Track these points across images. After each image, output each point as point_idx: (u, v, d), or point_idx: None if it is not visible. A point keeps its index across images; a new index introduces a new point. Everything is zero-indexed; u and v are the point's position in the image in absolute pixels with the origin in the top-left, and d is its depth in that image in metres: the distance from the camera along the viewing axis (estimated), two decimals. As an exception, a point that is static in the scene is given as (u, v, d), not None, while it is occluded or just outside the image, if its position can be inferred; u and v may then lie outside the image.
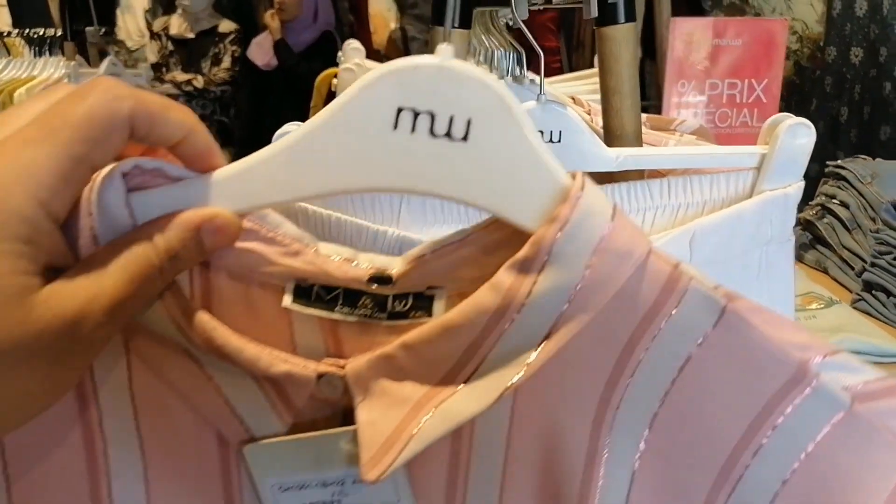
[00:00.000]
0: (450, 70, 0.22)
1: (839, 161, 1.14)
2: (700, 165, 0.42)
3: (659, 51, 1.55)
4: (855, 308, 0.94)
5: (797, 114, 0.44)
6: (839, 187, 1.11)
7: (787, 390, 0.24)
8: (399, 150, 0.23)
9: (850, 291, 0.99)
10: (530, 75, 0.78)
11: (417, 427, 0.23)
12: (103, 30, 2.54)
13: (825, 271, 1.08)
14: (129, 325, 0.24)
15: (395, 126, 0.23)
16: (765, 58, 1.17)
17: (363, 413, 0.24)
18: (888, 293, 0.93)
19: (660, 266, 0.24)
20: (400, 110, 0.23)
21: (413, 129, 0.23)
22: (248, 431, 0.25)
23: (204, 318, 0.23)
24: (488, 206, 0.24)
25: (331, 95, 1.43)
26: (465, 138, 0.23)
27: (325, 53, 2.48)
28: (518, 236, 0.24)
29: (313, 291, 0.25)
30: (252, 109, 2.73)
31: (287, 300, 0.25)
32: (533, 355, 0.23)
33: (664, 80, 1.31)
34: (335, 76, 1.25)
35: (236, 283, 0.25)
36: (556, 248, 0.23)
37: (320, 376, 0.24)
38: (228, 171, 0.24)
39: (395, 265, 0.25)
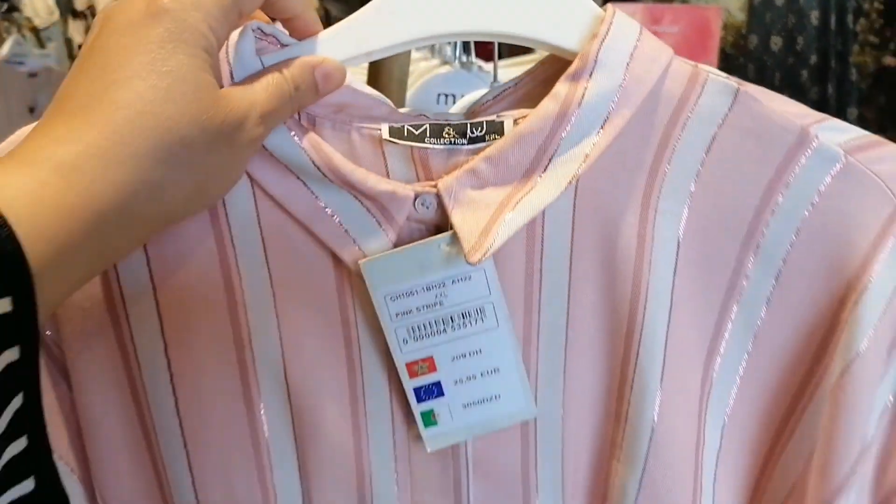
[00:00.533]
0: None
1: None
2: None
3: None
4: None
5: None
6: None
7: (794, 152, 0.29)
8: (471, 1, 0.29)
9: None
10: (478, 61, 0.76)
11: (504, 219, 0.28)
12: (6, 6, 2.36)
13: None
14: (256, 162, 0.29)
15: None
16: (700, 45, 1.19)
17: (457, 216, 0.29)
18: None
19: (683, 67, 0.30)
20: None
21: None
22: (360, 249, 0.30)
23: (323, 144, 0.29)
24: (543, 39, 0.30)
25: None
26: None
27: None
28: (567, 66, 0.29)
29: (405, 129, 0.30)
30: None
31: (385, 132, 0.30)
32: (590, 148, 0.28)
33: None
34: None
35: (338, 132, 0.30)
36: (601, 57, 0.28)
37: (417, 195, 0.29)
38: (329, 32, 0.30)
39: (460, 116, 0.31)
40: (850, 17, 2.09)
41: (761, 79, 2.15)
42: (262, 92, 0.27)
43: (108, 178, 0.22)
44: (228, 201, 0.30)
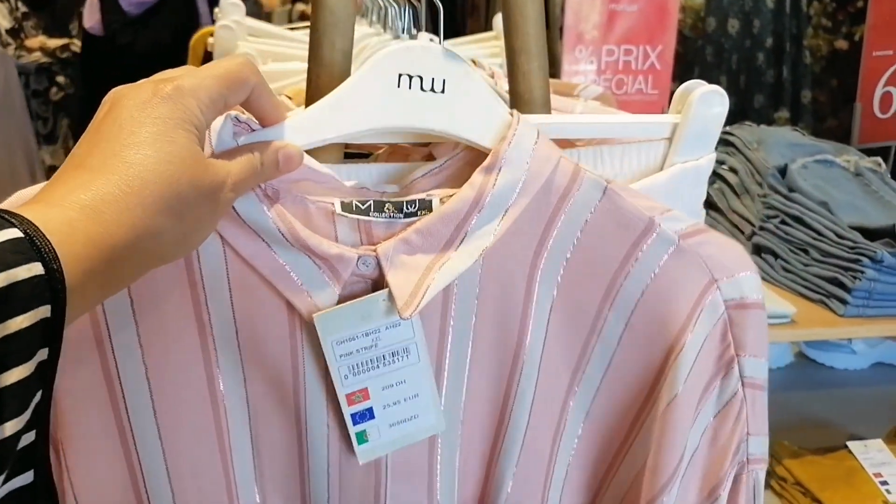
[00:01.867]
0: (429, 48, 0.37)
1: (727, 128, 1.17)
2: (612, 135, 0.42)
3: (552, 16, 1.54)
4: (746, 271, 0.98)
5: (681, 82, 0.43)
6: (727, 153, 1.14)
7: (643, 235, 0.38)
8: (403, 100, 0.36)
9: (741, 255, 1.03)
10: (428, 35, 0.73)
11: (431, 280, 0.36)
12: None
13: (716, 236, 1.11)
14: (227, 226, 0.35)
15: (398, 85, 0.36)
16: (659, 24, 1.18)
17: (392, 277, 0.36)
18: (776, 255, 0.97)
19: (567, 165, 0.38)
20: (400, 75, 0.36)
21: (410, 86, 0.36)
22: (312, 300, 0.36)
23: (286, 214, 0.35)
24: (460, 136, 0.38)
25: (207, 56, 1.29)
26: (442, 91, 0.37)
27: (170, 19, 2.06)
28: (481, 156, 0.38)
29: (353, 204, 0.37)
30: (84, 83, 2.22)
31: (337, 208, 0.36)
32: (496, 228, 0.37)
33: (560, 46, 1.30)
34: (211, 35, 1.14)
35: (297, 205, 0.36)
36: (507, 156, 0.37)
37: (359, 257, 0.36)
38: (291, 122, 0.36)
39: (396, 188, 0.39)
40: (804, 1, 2.11)
41: (719, 61, 2.16)
42: (235, 165, 0.33)
43: (122, 221, 0.28)
44: (202, 254, 0.36)
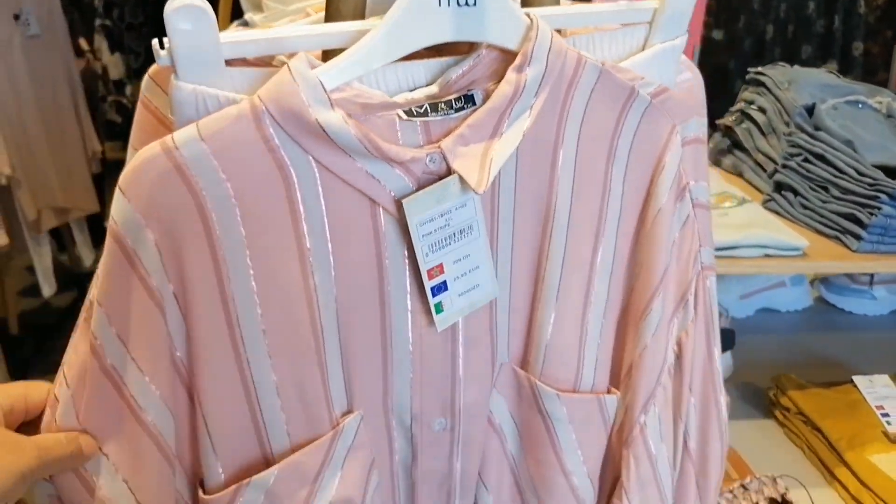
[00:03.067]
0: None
1: (759, 68, 1.16)
2: (601, 23, 0.47)
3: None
4: (765, 207, 0.99)
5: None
6: (758, 93, 1.14)
7: (628, 100, 0.47)
8: (446, 17, 0.41)
9: (762, 193, 1.04)
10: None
11: (490, 160, 0.42)
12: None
13: (740, 175, 1.12)
14: (316, 146, 0.40)
15: (439, 4, 0.41)
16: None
17: (458, 165, 0.42)
18: (796, 193, 0.98)
19: (572, 53, 0.45)
20: (440, -6, 0.42)
21: (448, 4, 0.41)
22: (392, 195, 0.42)
23: (367, 131, 0.40)
24: (493, 42, 0.43)
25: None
26: (474, 4, 0.41)
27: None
28: (504, 53, 0.43)
29: (412, 110, 0.42)
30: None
31: (402, 115, 0.42)
32: (529, 113, 0.44)
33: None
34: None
35: (367, 121, 0.41)
36: (533, 55, 0.43)
37: (428, 154, 0.42)
38: (353, 55, 0.40)
39: (436, 89, 0.43)
40: (861, -53, 2.02)
41: (766, 10, 2.09)
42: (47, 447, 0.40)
43: None
44: (294, 169, 0.40)
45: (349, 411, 0.45)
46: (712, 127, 1.20)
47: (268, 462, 0.43)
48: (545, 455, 0.51)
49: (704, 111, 0.52)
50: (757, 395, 1.07)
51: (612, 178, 0.48)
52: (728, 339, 1.06)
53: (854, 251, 0.88)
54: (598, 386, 0.52)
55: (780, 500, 0.84)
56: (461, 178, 0.42)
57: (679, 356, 0.53)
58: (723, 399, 0.57)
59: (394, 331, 0.45)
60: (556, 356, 0.49)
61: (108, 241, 0.39)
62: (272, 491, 0.43)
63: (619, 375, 0.53)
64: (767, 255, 0.86)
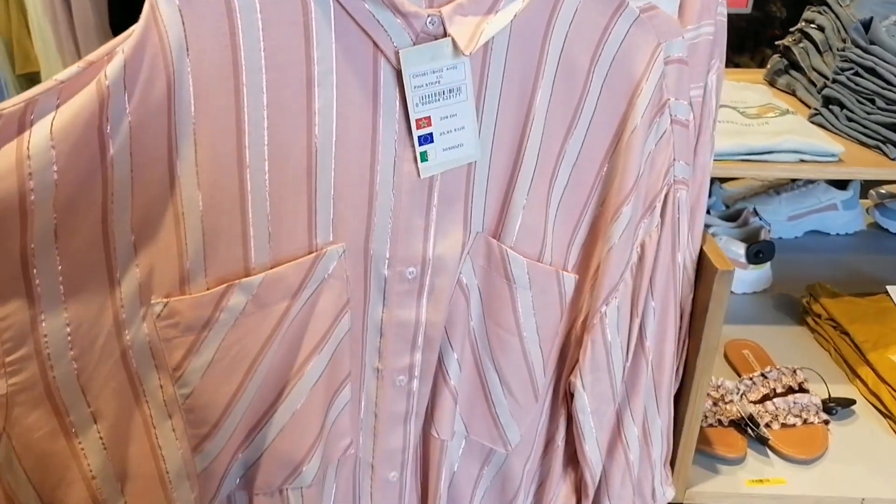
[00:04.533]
0: None
1: (824, -13, 1.16)
2: None
3: None
4: (811, 121, 1.01)
5: None
6: (819, 12, 1.14)
7: (616, 11, 0.52)
8: None
9: (810, 108, 1.05)
10: None
11: (481, 30, 0.47)
12: None
13: (793, 93, 1.13)
14: None
15: None
16: None
17: (453, 30, 0.47)
18: (842, 106, 0.99)
19: None
20: None
21: None
22: (392, 43, 0.46)
23: None
24: None
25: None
26: None
27: None
28: None
29: None
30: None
31: None
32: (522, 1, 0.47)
33: None
34: None
35: None
36: None
37: (429, 15, 0.46)
38: None
39: None
40: None
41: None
42: None
43: None
44: (314, 4, 0.43)
45: (333, 243, 0.49)
46: (771, 49, 1.21)
47: (248, 274, 0.46)
48: (505, 318, 0.56)
49: (720, 52, 0.59)
50: (791, 304, 1.11)
51: (593, 78, 0.53)
52: (768, 252, 1.10)
53: (892, 159, 0.90)
54: (555, 265, 0.57)
55: (797, 388, 0.89)
56: (454, 42, 0.47)
57: (641, 258, 0.60)
58: (679, 308, 0.65)
59: (381, 173, 0.48)
60: (525, 234, 0.54)
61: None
62: (257, 296, 0.46)
63: (588, 271, 0.60)
64: (802, 161, 0.89)
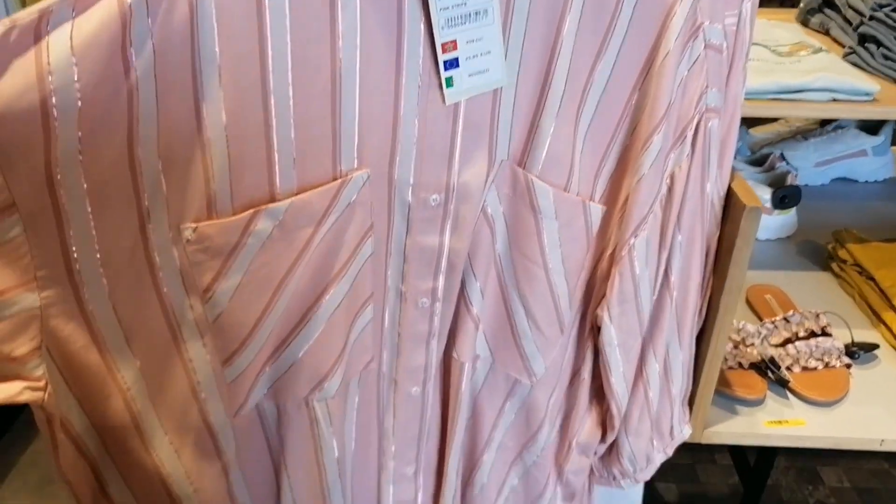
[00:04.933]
0: None
1: (864, -81, 1.10)
2: None
3: None
4: (845, 60, 0.98)
5: None
6: (857, -54, 1.09)
7: None
8: None
9: (844, 47, 1.02)
10: None
11: None
12: None
13: (826, 32, 1.09)
14: None
15: None
16: None
17: None
18: (879, 44, 0.96)
19: None
20: None
21: None
22: None
23: None
24: None
25: None
26: None
27: None
28: None
29: None
30: None
31: None
32: None
33: None
34: None
35: None
36: None
37: None
38: None
39: None
40: None
41: None
42: None
43: None
44: None
45: (357, 170, 0.48)
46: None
47: (274, 200, 0.45)
48: (531, 248, 0.56)
49: None
50: (816, 251, 1.09)
51: (623, 8, 0.51)
52: (794, 197, 1.08)
53: (930, 99, 0.87)
54: (582, 195, 0.56)
55: (819, 332, 0.88)
56: None
57: (671, 188, 0.59)
58: (706, 244, 0.64)
59: (405, 98, 0.47)
60: (552, 163, 0.53)
61: None
62: (283, 222, 0.46)
63: (616, 204, 0.59)
64: (835, 100, 0.87)
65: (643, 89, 0.55)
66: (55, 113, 0.39)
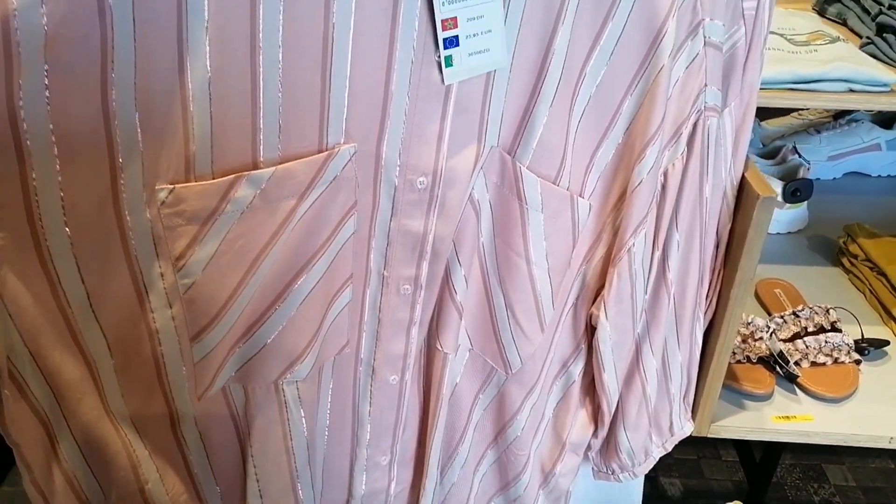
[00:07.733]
0: None
1: None
2: None
3: None
4: (863, 51, 0.96)
5: None
6: (876, -65, 1.06)
7: None
8: None
9: (861, 38, 0.99)
10: None
11: None
12: None
13: (844, 23, 1.07)
14: None
15: None
16: None
17: None
18: (897, 35, 0.94)
19: None
20: None
21: None
22: None
23: None
24: None
25: None
26: None
27: None
28: None
29: None
30: None
31: None
32: None
33: None
34: None
35: None
36: None
37: None
38: None
39: None
40: None
41: None
42: None
43: None
44: None
45: (344, 143, 0.46)
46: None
47: (256, 167, 0.43)
48: (515, 239, 0.54)
49: None
50: (826, 245, 1.08)
51: (620, 5, 0.49)
52: (806, 190, 1.06)
53: (949, 91, 0.85)
54: (571, 190, 0.55)
55: (829, 328, 0.87)
56: None
57: (664, 186, 0.57)
58: (709, 239, 0.62)
59: (398, 73, 0.45)
60: (543, 153, 0.52)
61: None
62: (265, 191, 0.44)
63: (608, 202, 0.57)
64: (852, 91, 0.85)
65: (640, 88, 0.53)
66: (18, 36, 0.36)
